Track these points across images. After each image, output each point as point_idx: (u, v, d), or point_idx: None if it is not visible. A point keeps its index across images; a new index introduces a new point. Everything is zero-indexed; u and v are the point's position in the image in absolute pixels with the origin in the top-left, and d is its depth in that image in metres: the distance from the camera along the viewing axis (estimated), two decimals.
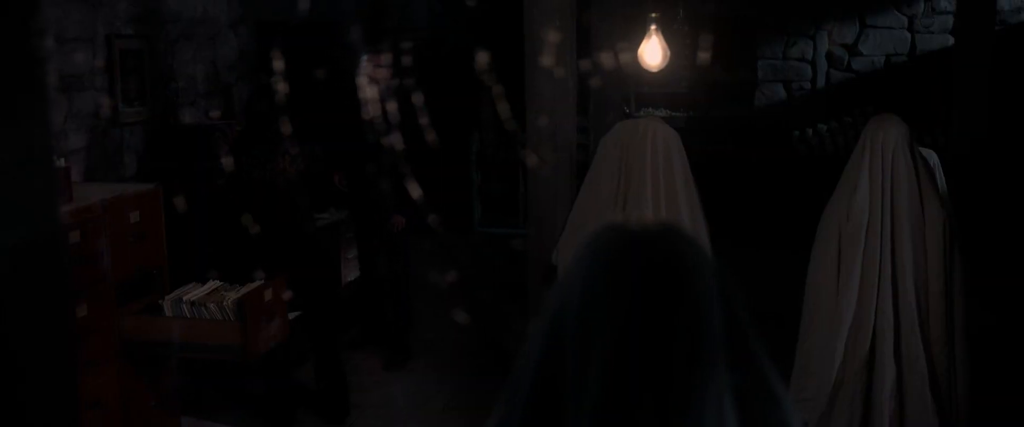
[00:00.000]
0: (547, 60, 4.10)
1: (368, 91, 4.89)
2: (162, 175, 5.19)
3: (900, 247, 3.61)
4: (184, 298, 3.84)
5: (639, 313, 0.92)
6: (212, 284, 4.03)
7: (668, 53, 3.69)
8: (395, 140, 4.85)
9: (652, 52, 3.69)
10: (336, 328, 4.97)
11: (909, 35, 8.45)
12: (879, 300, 3.63)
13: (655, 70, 3.79)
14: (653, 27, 3.66)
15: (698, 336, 0.92)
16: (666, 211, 3.71)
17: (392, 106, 4.90)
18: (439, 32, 8.63)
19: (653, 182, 3.72)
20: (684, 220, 3.72)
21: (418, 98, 5.03)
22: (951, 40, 7.72)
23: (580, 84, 6.92)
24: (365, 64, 4.97)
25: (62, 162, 3.67)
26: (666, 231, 0.97)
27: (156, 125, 5.36)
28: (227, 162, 4.79)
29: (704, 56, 7.59)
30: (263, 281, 3.96)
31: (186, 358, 4.10)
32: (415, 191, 4.94)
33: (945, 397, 3.68)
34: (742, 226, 7.21)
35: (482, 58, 5.91)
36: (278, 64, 5.69)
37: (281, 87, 5.66)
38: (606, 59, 6.41)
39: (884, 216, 3.62)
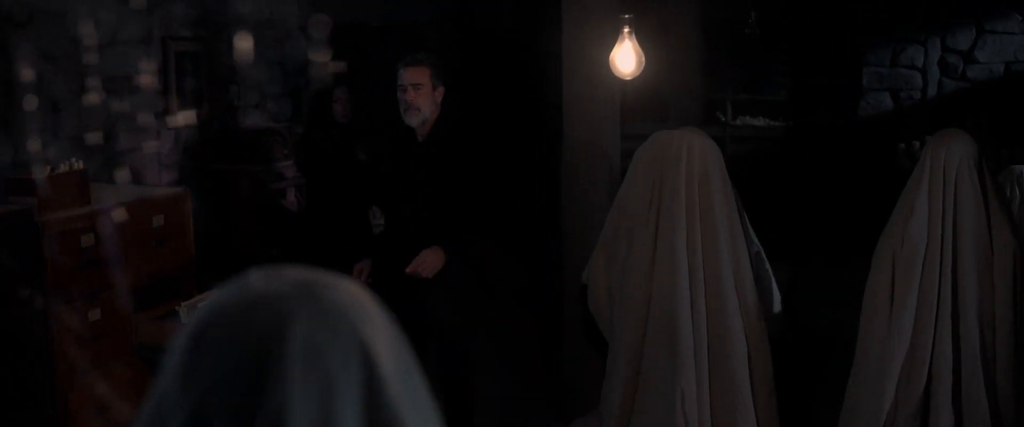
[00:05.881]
0: (585, 63, 3.85)
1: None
2: (215, 177, 5.21)
3: (963, 278, 3.22)
4: (200, 304, 3.76)
5: (212, 403, 0.70)
6: None
7: (643, 59, 3.38)
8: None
9: (625, 58, 3.38)
10: None
11: None
12: (936, 337, 3.25)
13: (628, 77, 3.48)
14: (626, 29, 3.35)
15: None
16: (701, 230, 3.43)
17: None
18: (523, 33, 8.42)
19: (688, 199, 3.43)
20: (722, 240, 3.42)
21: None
22: None
23: (659, 89, 6.65)
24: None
25: (80, 164, 3.64)
26: (286, 294, 0.75)
27: (211, 128, 5.35)
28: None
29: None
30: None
31: None
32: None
33: None
34: (840, 241, 6.76)
35: None
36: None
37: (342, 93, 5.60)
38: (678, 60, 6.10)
39: (945, 243, 3.24)
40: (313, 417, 0.71)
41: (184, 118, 5.14)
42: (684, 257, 3.39)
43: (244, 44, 5.41)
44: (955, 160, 3.21)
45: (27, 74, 4.07)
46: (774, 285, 3.67)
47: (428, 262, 3.84)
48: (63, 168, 3.59)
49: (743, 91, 8.72)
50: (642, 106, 6.49)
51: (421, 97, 3.92)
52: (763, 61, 8.13)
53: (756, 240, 3.64)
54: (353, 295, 0.77)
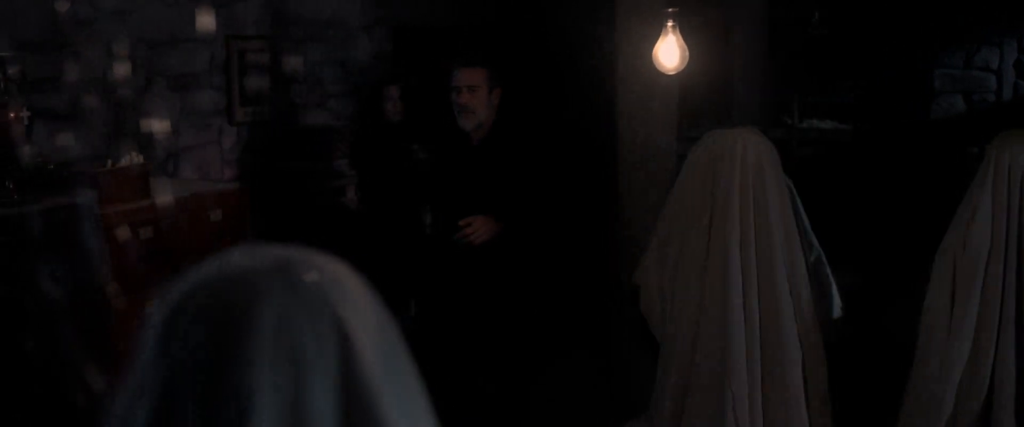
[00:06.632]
0: (639, 63, 3.80)
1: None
2: (276, 174, 5.28)
3: None
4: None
5: (180, 378, 0.70)
6: None
7: (686, 54, 3.32)
8: None
9: (668, 53, 3.33)
10: None
11: None
12: (999, 346, 3.14)
13: (672, 73, 3.42)
14: (670, 24, 3.30)
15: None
16: (755, 229, 3.36)
17: None
18: (582, 34, 8.36)
19: (742, 199, 3.37)
20: (776, 242, 3.35)
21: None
22: None
23: (722, 91, 6.55)
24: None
25: (141, 158, 3.73)
26: (262, 270, 0.74)
27: (273, 125, 5.43)
28: None
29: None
30: None
31: None
32: None
33: None
34: (908, 247, 6.59)
35: None
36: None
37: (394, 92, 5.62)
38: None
39: (1008, 248, 3.13)
40: (282, 394, 0.70)
41: (247, 115, 5.22)
42: (737, 258, 3.33)
43: (206, 20, 5.18)
44: (1021, 162, 3.10)
45: (92, 70, 4.18)
46: (834, 290, 3.59)
47: (478, 225, 3.74)
48: (125, 162, 3.67)
49: (810, 93, 8.55)
50: (704, 108, 6.41)
51: (476, 100, 3.79)
52: (831, 62, 7.96)
53: (817, 244, 3.56)
54: (334, 273, 0.77)
